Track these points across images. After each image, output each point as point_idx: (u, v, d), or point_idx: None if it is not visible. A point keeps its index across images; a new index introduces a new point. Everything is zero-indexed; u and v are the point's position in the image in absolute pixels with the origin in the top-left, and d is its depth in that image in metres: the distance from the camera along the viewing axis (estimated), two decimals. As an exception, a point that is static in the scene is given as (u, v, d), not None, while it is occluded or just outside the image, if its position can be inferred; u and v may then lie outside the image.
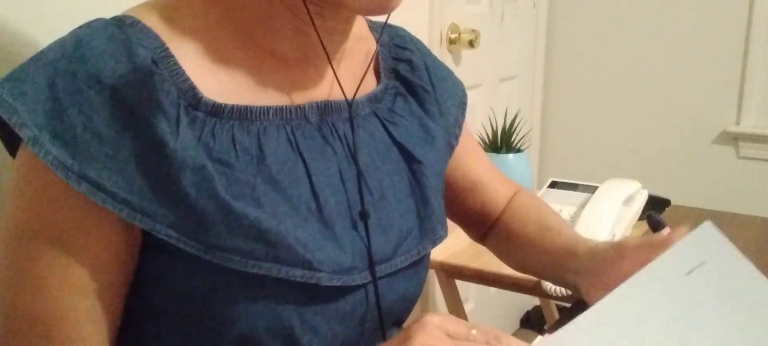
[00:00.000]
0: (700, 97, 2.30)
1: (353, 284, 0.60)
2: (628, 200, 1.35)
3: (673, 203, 1.38)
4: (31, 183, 0.54)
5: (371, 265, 0.62)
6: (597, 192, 1.36)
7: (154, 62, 0.55)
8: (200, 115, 0.56)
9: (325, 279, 0.58)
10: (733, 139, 2.28)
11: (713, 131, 2.31)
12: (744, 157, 2.28)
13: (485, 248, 1.38)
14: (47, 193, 0.53)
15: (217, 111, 0.56)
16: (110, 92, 0.53)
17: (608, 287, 0.60)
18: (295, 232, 0.57)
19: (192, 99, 0.56)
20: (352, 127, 0.65)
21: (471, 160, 0.85)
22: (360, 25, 0.73)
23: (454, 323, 0.53)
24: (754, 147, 2.25)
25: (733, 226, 1.11)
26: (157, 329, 0.59)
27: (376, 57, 0.73)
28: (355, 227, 0.62)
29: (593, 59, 2.47)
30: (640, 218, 1.36)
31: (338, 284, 0.59)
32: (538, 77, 2.52)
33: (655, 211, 1.35)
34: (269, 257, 0.56)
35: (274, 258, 0.56)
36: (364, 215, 0.62)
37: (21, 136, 0.52)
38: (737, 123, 2.26)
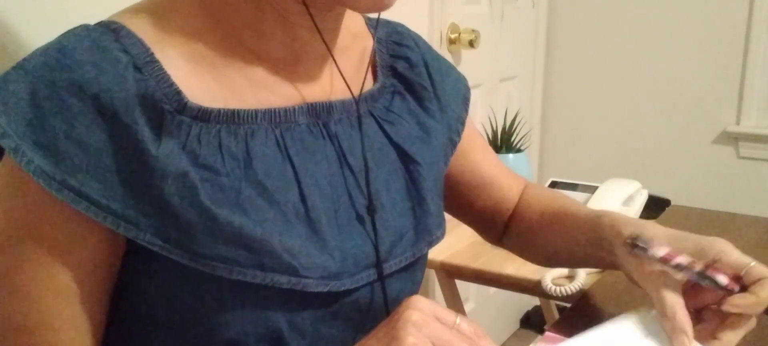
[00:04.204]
0: (700, 97, 2.30)
1: (342, 289, 0.60)
2: (628, 200, 1.35)
3: (673, 203, 1.38)
4: (14, 191, 0.53)
5: (379, 265, 0.62)
6: (597, 192, 1.36)
7: (138, 69, 0.54)
8: (186, 119, 0.55)
9: (312, 285, 0.57)
10: (733, 139, 2.28)
11: (713, 131, 2.31)
12: (744, 157, 2.28)
13: (486, 248, 1.38)
14: (30, 201, 0.53)
15: (203, 115, 0.56)
16: (92, 100, 0.52)
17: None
18: (280, 238, 0.56)
19: (177, 104, 0.55)
20: (359, 126, 0.64)
21: (479, 156, 0.84)
22: (356, 23, 0.72)
23: (442, 310, 0.54)
24: (754, 147, 2.25)
25: (733, 226, 1.11)
26: (145, 336, 0.59)
27: (373, 55, 0.71)
28: (345, 231, 0.61)
29: (593, 59, 2.47)
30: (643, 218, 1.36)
31: (325, 289, 0.58)
32: (538, 77, 2.52)
33: (655, 211, 1.35)
34: (254, 264, 0.55)
35: (259, 265, 0.55)
36: (371, 210, 0.62)
37: (2, 145, 0.52)
38: (737, 123, 2.26)
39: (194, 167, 0.54)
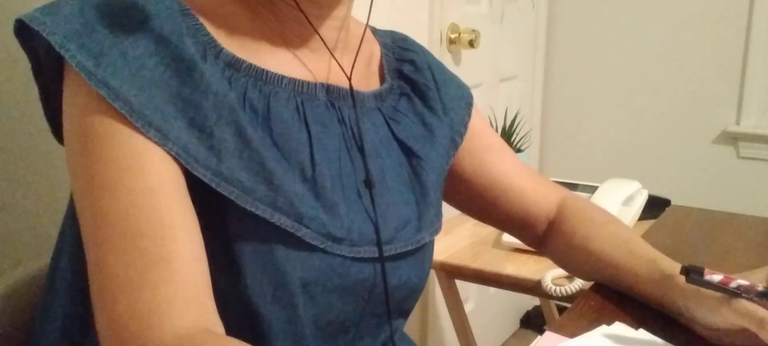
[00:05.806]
0: (700, 97, 2.30)
1: (338, 253, 0.61)
2: (628, 200, 1.35)
3: (673, 203, 1.38)
4: (69, 96, 0.56)
5: (380, 243, 0.64)
6: (597, 192, 1.36)
7: (182, 13, 0.58)
8: (220, 63, 0.59)
9: (310, 236, 0.59)
10: (733, 139, 2.28)
11: (713, 131, 2.31)
12: (744, 157, 2.28)
13: (486, 247, 1.38)
14: (82, 101, 0.55)
15: (235, 64, 0.60)
16: (141, 20, 0.56)
17: (724, 320, 0.62)
18: (290, 185, 0.59)
19: (214, 49, 0.59)
20: (353, 99, 0.67)
21: (494, 158, 0.84)
22: (362, 30, 0.75)
23: None
24: (754, 147, 2.25)
25: (733, 226, 1.11)
26: None
27: (381, 59, 0.76)
28: (349, 205, 0.64)
29: (593, 59, 2.47)
30: (642, 217, 1.36)
31: (321, 246, 0.60)
32: (538, 77, 2.52)
33: (655, 211, 1.35)
34: (268, 200, 0.57)
35: (272, 203, 0.58)
36: (368, 184, 0.65)
37: (50, 42, 0.54)
38: (737, 123, 2.26)
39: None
